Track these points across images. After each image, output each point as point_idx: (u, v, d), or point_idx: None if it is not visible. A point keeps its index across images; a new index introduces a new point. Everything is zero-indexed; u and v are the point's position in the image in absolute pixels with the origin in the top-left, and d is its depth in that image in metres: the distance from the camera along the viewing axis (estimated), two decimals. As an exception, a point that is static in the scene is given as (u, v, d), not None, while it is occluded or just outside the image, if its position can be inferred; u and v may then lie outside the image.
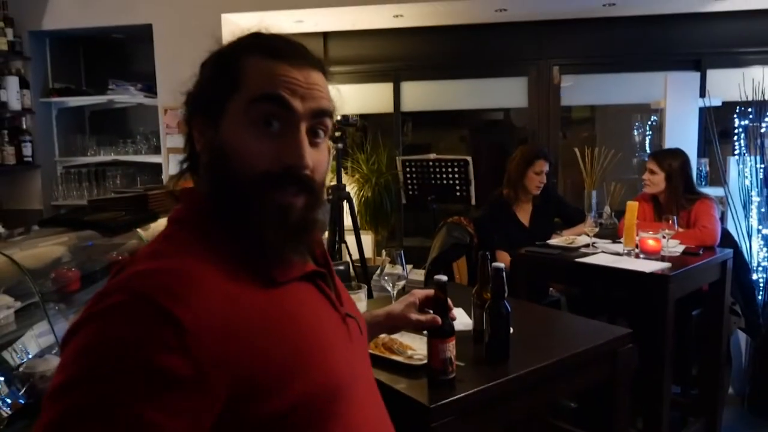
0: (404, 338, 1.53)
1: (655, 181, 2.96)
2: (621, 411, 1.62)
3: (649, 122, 4.65)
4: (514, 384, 1.33)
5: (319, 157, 0.81)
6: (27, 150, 3.98)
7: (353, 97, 4.60)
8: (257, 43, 0.80)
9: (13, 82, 3.88)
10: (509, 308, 1.39)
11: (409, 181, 4.07)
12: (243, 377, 0.67)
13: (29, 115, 4.02)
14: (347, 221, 3.53)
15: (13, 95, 3.88)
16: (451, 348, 1.27)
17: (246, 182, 0.75)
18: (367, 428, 0.83)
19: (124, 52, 4.49)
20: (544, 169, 3.22)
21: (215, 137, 0.78)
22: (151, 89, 4.12)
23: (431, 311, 1.27)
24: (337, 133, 3.43)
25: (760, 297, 3.28)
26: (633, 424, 2.59)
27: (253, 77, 0.77)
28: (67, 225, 2.08)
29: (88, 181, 4.10)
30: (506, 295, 1.42)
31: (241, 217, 0.77)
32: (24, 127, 4.00)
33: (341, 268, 2.43)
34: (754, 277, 3.29)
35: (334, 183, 3.51)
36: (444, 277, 1.29)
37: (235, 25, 4.23)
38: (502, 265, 1.40)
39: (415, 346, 1.48)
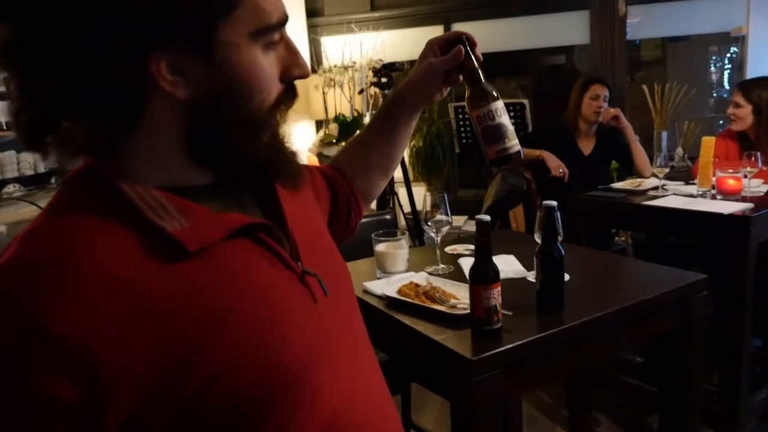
0: (447, 287, 1.41)
1: (742, 115, 2.66)
2: (694, 365, 1.46)
3: (729, 54, 4.22)
4: (568, 335, 1.19)
5: None
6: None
7: (402, 43, 4.40)
8: None
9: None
10: (563, 251, 1.24)
11: (462, 130, 3.88)
12: (150, 387, 0.52)
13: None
14: (397, 172, 3.41)
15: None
16: (495, 295, 1.14)
17: (263, 113, 0.63)
18: (348, 412, 0.66)
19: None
20: (600, 94, 2.98)
21: (210, 72, 0.58)
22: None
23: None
24: (384, 80, 3.28)
25: None
26: (707, 379, 2.39)
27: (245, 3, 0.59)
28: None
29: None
30: (560, 237, 1.27)
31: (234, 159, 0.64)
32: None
33: (387, 217, 2.32)
34: None
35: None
36: (486, 217, 1.15)
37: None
38: (554, 203, 1.25)
39: (459, 295, 1.36)
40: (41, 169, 3.77)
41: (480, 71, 0.91)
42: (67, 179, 0.61)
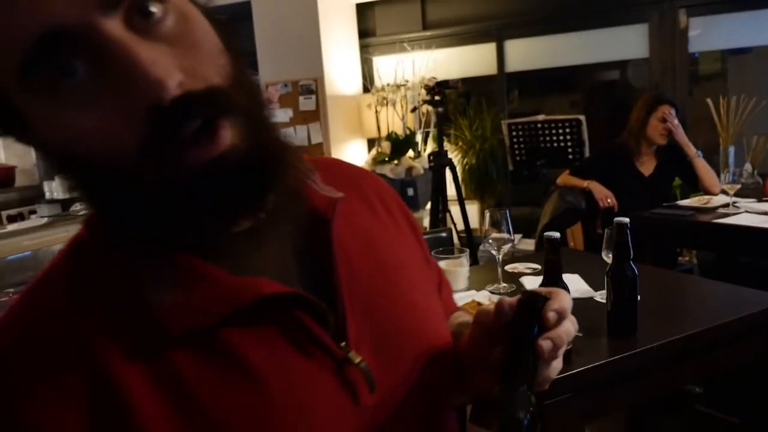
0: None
1: None
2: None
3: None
4: (642, 359, 1.13)
5: (179, 47, 0.41)
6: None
7: (454, 61, 4.40)
8: None
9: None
10: (636, 271, 1.18)
11: (515, 146, 3.82)
12: None
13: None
14: (450, 189, 3.38)
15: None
16: (565, 316, 1.08)
17: (128, 173, 0.41)
18: None
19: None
20: (668, 116, 2.84)
21: (46, 144, 0.43)
22: (252, 65, 4.18)
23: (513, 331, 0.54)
24: (437, 98, 3.28)
25: None
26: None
27: None
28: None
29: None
30: (632, 255, 1.21)
31: (148, 226, 0.44)
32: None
33: (443, 234, 2.29)
34: None
35: (435, 150, 3.36)
36: (556, 234, 1.11)
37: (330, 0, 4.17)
38: (626, 220, 1.19)
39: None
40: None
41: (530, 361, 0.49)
42: (85, 222, 0.49)
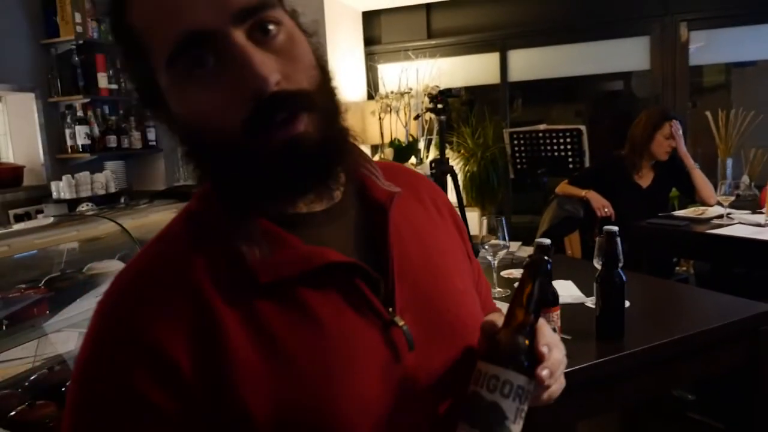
0: (504, 310, 1.41)
1: None
2: (764, 402, 1.40)
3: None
4: (628, 362, 1.17)
5: (285, 58, 0.55)
6: (152, 135, 4.27)
7: (458, 70, 4.46)
8: None
9: (137, 71, 4.17)
10: (624, 277, 1.23)
11: (517, 155, 3.87)
12: (220, 407, 0.54)
13: (152, 102, 4.31)
14: (451, 196, 3.43)
15: (138, 84, 4.17)
16: (555, 318, 1.14)
17: (231, 143, 0.55)
18: None
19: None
20: (673, 132, 2.89)
21: (176, 119, 0.58)
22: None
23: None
24: (440, 106, 3.33)
25: None
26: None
27: (147, 28, 0.55)
28: (178, 197, 2.17)
29: (205, 162, 4.33)
30: (621, 263, 1.26)
31: (244, 182, 0.58)
32: (148, 113, 4.29)
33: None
34: None
35: (437, 157, 3.41)
36: (547, 240, 1.16)
37: (337, 2, 4.23)
38: (615, 228, 1.24)
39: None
40: (112, 189, 3.99)
41: (533, 316, 0.62)
42: (195, 195, 0.64)
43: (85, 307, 1.72)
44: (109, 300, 0.57)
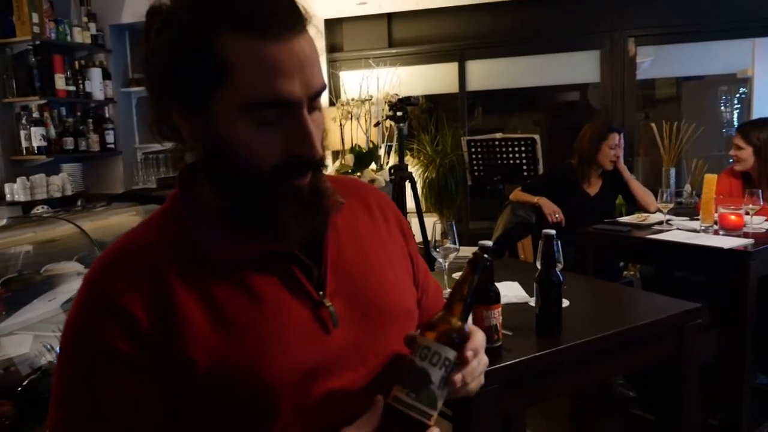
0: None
1: (743, 156, 2.74)
2: (689, 395, 1.51)
3: (738, 95, 4.31)
4: (564, 355, 1.26)
5: (318, 131, 0.72)
6: (110, 137, 4.23)
7: (417, 79, 4.56)
8: (233, 13, 0.66)
9: (96, 73, 4.13)
10: (561, 277, 1.32)
11: (474, 162, 3.98)
12: (172, 357, 0.67)
13: (111, 104, 4.27)
14: (410, 202, 3.51)
15: (97, 86, 4.13)
16: (496, 315, 1.22)
17: (258, 176, 0.70)
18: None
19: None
20: (617, 142, 3.06)
21: (207, 130, 0.70)
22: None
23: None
24: (399, 113, 3.41)
25: None
26: (712, 416, 2.42)
27: (242, 70, 0.66)
28: (137, 200, 2.19)
29: (165, 165, 4.29)
30: (560, 264, 1.36)
31: (249, 204, 0.72)
32: (107, 115, 4.25)
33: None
34: None
35: (396, 163, 3.49)
36: (488, 242, 1.25)
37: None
38: (552, 232, 1.34)
39: (464, 317, 1.45)
40: (68, 192, 3.93)
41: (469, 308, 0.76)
42: (168, 197, 0.79)
43: (41, 309, 1.73)
44: (92, 276, 0.72)
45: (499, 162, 3.85)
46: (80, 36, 4.05)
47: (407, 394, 0.69)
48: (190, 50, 0.66)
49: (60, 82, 3.83)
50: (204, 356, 0.67)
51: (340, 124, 4.23)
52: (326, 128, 0.78)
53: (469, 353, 0.73)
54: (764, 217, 2.49)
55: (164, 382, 0.67)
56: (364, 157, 4.10)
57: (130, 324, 0.67)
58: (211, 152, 0.71)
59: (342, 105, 4.29)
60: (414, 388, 0.70)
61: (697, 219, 2.63)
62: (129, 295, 0.68)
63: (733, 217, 2.34)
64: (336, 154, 4.50)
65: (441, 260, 1.73)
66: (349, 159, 4.10)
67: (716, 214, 2.42)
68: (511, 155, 3.81)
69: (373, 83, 4.37)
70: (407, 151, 4.20)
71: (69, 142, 3.91)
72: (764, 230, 2.41)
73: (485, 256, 0.76)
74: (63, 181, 3.89)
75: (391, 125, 3.98)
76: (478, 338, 0.77)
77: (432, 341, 0.71)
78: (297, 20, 0.69)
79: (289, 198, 0.71)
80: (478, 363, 0.77)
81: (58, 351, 0.73)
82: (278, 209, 0.71)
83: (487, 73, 4.53)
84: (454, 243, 1.72)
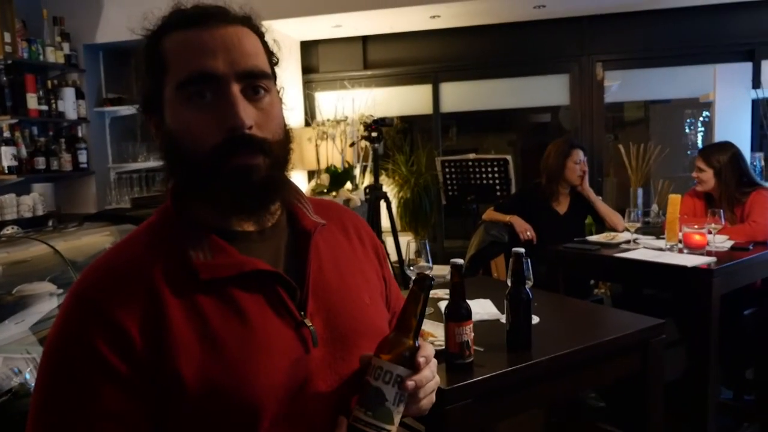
0: (426, 326, 1.52)
1: (705, 178, 2.84)
2: (653, 408, 1.56)
3: (701, 118, 4.48)
4: (534, 370, 1.30)
5: (263, 115, 0.75)
6: (83, 157, 4.19)
7: (392, 100, 4.63)
8: (173, 18, 0.76)
9: (69, 93, 4.10)
10: (530, 294, 1.37)
11: (448, 182, 4.05)
12: (163, 375, 0.69)
13: (84, 124, 4.23)
14: (385, 221, 3.54)
15: (70, 105, 4.10)
16: (467, 331, 1.25)
17: (199, 159, 0.73)
18: None
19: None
20: (581, 158, 3.16)
21: (164, 126, 0.76)
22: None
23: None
24: (374, 134, 3.46)
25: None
26: (678, 430, 2.47)
27: (173, 56, 0.74)
28: (110, 220, 2.18)
29: (139, 185, 4.27)
30: (530, 282, 1.40)
31: (202, 192, 0.76)
32: (80, 135, 4.21)
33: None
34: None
35: (371, 183, 3.53)
36: (460, 261, 1.28)
37: (277, 31, 4.33)
38: (522, 250, 1.38)
39: (437, 333, 1.48)
40: (39, 212, 3.87)
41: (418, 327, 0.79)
42: (156, 210, 0.82)
43: (13, 330, 1.71)
44: (79, 288, 0.72)
45: (473, 182, 3.92)
46: (53, 55, 4.02)
47: (364, 413, 0.74)
48: (146, 57, 0.77)
49: (32, 101, 3.79)
50: (193, 373, 0.69)
51: (316, 144, 4.27)
52: (282, 114, 0.80)
53: (421, 359, 0.77)
54: (726, 236, 2.58)
55: (152, 401, 0.68)
56: (339, 176, 4.13)
57: (120, 336, 0.68)
58: (168, 147, 0.76)
59: (318, 125, 4.33)
60: (370, 407, 0.74)
61: (662, 238, 2.72)
62: (123, 309, 0.69)
63: (696, 237, 2.43)
64: (312, 174, 4.52)
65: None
66: (325, 179, 4.13)
67: (680, 234, 2.50)
68: (484, 175, 3.89)
69: (349, 104, 4.42)
70: (382, 171, 4.24)
71: (41, 162, 3.86)
72: (726, 249, 2.50)
73: (428, 275, 0.81)
74: (34, 201, 3.83)
75: (366, 145, 4.03)
76: (429, 348, 0.82)
77: (385, 361, 0.76)
78: (227, 15, 0.77)
79: (234, 178, 0.73)
80: (432, 373, 0.81)
81: (36, 368, 0.72)
82: (225, 189, 0.73)
83: (461, 95, 4.63)
84: (428, 261, 1.76)
